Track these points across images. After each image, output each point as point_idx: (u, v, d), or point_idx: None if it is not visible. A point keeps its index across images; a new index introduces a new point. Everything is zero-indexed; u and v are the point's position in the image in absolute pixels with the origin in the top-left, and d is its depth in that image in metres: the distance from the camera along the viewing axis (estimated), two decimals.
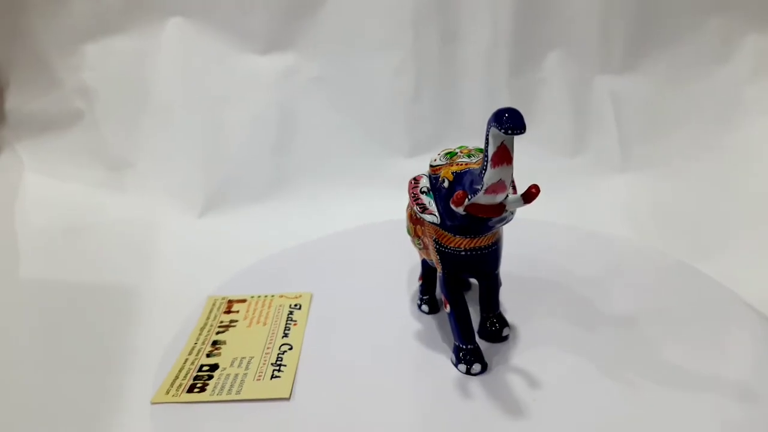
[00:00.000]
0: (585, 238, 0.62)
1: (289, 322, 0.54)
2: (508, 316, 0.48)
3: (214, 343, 0.53)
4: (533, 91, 0.86)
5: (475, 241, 0.40)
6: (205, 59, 0.85)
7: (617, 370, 0.43)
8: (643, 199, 0.82)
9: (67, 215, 0.82)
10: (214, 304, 0.59)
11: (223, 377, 0.48)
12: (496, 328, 0.46)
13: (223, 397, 0.46)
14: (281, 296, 0.58)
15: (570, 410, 0.40)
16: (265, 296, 0.59)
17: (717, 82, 0.85)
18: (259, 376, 0.48)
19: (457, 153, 0.42)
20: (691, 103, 0.85)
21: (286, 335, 0.53)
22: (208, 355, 0.51)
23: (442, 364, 0.45)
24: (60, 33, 0.83)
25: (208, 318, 0.57)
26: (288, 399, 0.44)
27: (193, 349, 0.53)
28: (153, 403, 0.46)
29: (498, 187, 0.36)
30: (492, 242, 0.40)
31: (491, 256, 0.41)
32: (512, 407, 0.40)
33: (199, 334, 0.55)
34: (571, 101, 0.86)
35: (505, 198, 0.37)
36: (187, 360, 0.51)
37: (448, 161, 0.41)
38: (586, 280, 0.53)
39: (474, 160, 0.40)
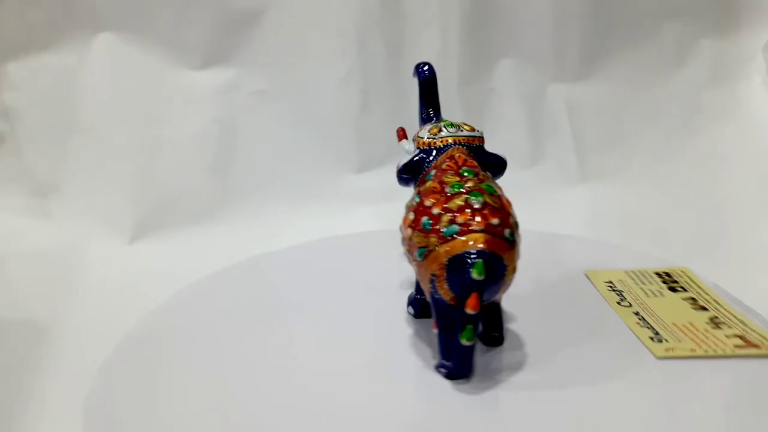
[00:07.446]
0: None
1: None
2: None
3: None
4: (485, 101, 0.82)
5: None
6: (137, 76, 0.80)
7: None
8: (603, 206, 0.80)
9: None
10: None
11: None
12: None
13: None
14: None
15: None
16: None
17: (673, 87, 0.84)
18: None
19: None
20: (648, 109, 0.84)
21: None
22: None
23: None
24: None
25: None
26: None
27: None
28: None
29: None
30: None
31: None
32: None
33: None
34: (525, 110, 0.83)
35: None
36: None
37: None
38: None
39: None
